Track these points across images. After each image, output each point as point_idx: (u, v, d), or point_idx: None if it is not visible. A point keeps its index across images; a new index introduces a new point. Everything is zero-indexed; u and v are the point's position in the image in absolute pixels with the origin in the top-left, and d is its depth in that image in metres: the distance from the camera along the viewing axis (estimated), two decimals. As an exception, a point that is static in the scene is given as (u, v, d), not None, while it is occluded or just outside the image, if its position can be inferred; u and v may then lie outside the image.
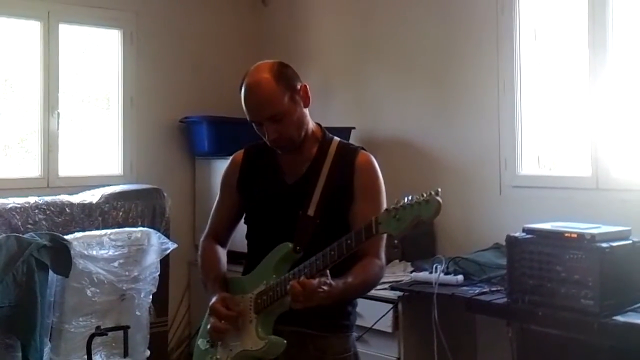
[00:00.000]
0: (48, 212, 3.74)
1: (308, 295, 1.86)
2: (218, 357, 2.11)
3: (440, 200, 1.68)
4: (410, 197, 1.74)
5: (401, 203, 1.75)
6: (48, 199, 3.82)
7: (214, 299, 2.11)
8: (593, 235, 2.66)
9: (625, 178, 3.27)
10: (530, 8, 3.69)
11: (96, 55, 4.60)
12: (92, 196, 3.99)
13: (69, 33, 4.35)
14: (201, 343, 2.19)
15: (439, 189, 1.70)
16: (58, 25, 4.26)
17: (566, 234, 2.74)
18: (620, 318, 2.57)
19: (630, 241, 2.71)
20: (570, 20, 3.59)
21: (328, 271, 1.90)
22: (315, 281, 1.87)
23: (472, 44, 3.86)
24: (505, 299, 2.91)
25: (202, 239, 2.33)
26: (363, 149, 2.17)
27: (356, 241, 1.84)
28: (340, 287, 1.93)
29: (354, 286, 1.99)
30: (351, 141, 4.01)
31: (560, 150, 3.74)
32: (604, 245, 2.63)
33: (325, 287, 1.87)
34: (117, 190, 4.07)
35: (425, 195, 1.71)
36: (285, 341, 2.01)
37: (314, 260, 1.91)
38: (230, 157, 4.20)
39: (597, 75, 3.33)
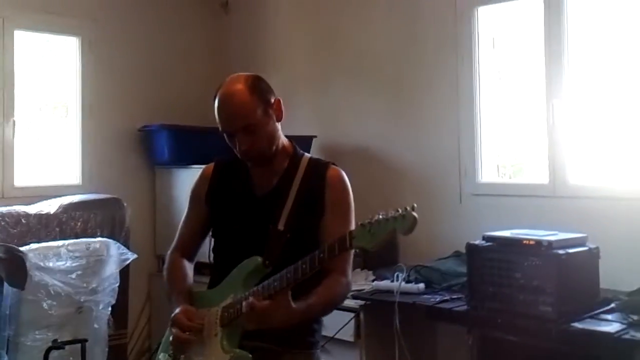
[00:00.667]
0: (3, 224, 3.66)
1: (259, 317, 1.88)
2: (181, 371, 2.08)
3: (416, 216, 1.69)
4: (384, 212, 1.75)
5: (375, 218, 1.75)
6: (3, 209, 3.74)
7: (176, 311, 2.09)
8: (550, 242, 2.70)
9: (582, 185, 3.32)
10: (489, 16, 3.74)
11: (54, 62, 4.52)
12: (49, 206, 3.91)
13: (25, 40, 4.27)
14: (162, 357, 2.16)
15: (415, 205, 1.71)
16: (14, 32, 4.18)
17: (524, 241, 2.78)
18: (577, 324, 2.61)
19: (587, 248, 2.76)
20: (527, 29, 3.65)
21: (290, 292, 1.89)
22: (267, 303, 1.88)
23: (431, 52, 3.90)
24: (465, 307, 2.94)
25: (169, 252, 2.31)
26: (334, 164, 2.18)
27: (329, 254, 1.83)
28: (302, 309, 1.93)
29: (318, 306, 1.99)
30: (312, 149, 4.07)
31: (519, 159, 3.79)
32: (561, 252, 2.67)
33: (282, 310, 1.88)
34: (75, 200, 4.00)
35: (400, 210, 1.72)
36: (250, 355, 1.99)
37: (284, 274, 1.90)
38: (191, 167, 4.20)
39: (554, 83, 3.39)
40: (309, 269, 1.86)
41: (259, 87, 2.08)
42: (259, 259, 2.02)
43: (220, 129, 2.09)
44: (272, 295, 1.90)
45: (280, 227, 2.04)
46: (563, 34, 3.36)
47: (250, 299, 1.91)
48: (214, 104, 2.09)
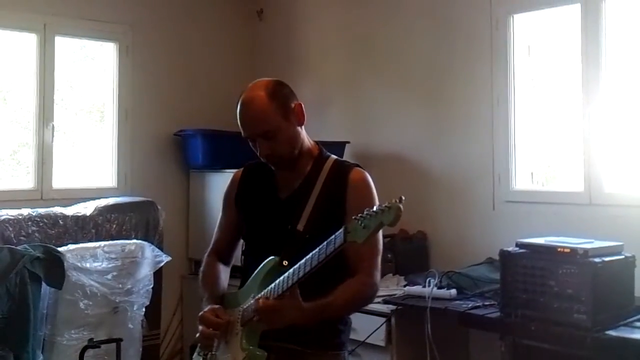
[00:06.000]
0: (41, 224, 3.74)
1: (267, 316, 1.92)
2: (208, 369, 2.13)
3: (401, 207, 1.69)
4: (375, 207, 1.75)
5: (367, 212, 1.76)
6: (41, 210, 3.82)
7: (204, 310, 2.14)
8: (586, 250, 2.68)
9: (618, 193, 3.30)
10: (524, 24, 3.73)
11: (91, 67, 4.61)
12: (85, 208, 3.98)
13: (64, 45, 4.36)
14: (196, 357, 2.22)
15: (403, 197, 1.71)
16: (54, 38, 4.27)
17: (559, 249, 2.76)
18: (612, 332, 2.59)
19: (623, 256, 2.73)
20: (563, 37, 3.63)
21: (298, 290, 1.91)
22: (272, 302, 1.91)
23: (466, 59, 3.89)
24: (498, 313, 2.93)
25: (205, 255, 2.36)
26: (358, 165, 2.19)
27: (327, 251, 1.83)
28: (314, 307, 1.95)
29: (334, 306, 2.00)
30: (345, 155, 4.10)
31: (553, 166, 3.76)
32: (597, 260, 2.65)
33: (292, 310, 1.90)
34: (110, 203, 4.07)
35: (388, 203, 1.72)
36: (266, 354, 2.01)
37: (291, 273, 1.92)
38: (225, 171, 4.25)
39: (591, 91, 3.36)
40: (311, 266, 1.86)
41: (279, 93, 2.11)
42: (276, 259, 2.05)
43: (242, 134, 2.13)
44: (281, 294, 1.92)
45: (300, 227, 2.06)
46: (601, 40, 3.34)
47: (261, 299, 1.95)
48: (236, 109, 2.12)
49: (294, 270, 1.91)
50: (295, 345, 2.06)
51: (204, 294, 2.23)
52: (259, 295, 2.00)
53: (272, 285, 1.97)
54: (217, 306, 2.13)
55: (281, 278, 1.94)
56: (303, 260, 1.88)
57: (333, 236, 1.83)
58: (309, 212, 2.08)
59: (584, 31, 3.39)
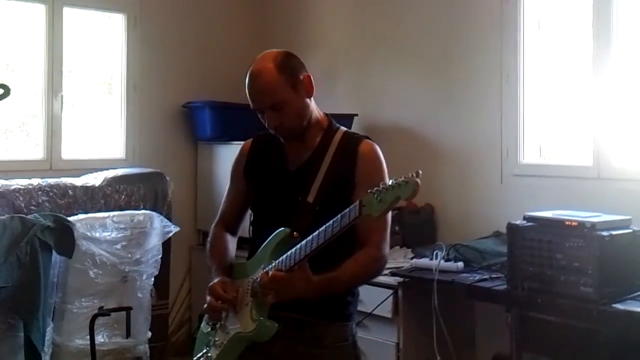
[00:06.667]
0: (51, 194, 3.77)
1: (275, 289, 1.93)
2: (217, 339, 2.14)
3: (419, 181, 1.70)
4: (392, 180, 1.76)
5: (382, 185, 1.76)
6: (51, 181, 3.84)
7: (213, 281, 2.15)
8: (593, 224, 2.68)
9: (627, 168, 3.29)
10: (535, -3, 3.70)
11: (99, 40, 4.60)
12: (94, 179, 4.01)
13: (73, 16, 4.35)
14: (204, 326, 2.24)
15: (420, 171, 1.72)
16: (62, 9, 4.26)
17: (567, 222, 2.76)
18: (619, 306, 2.60)
19: (631, 230, 2.74)
20: (574, 10, 3.60)
21: (307, 263, 1.92)
22: (281, 274, 1.92)
23: (476, 32, 3.87)
24: (504, 286, 2.94)
25: (212, 226, 2.36)
26: (368, 138, 2.18)
27: (342, 224, 1.84)
28: (323, 281, 1.96)
29: (343, 279, 2.01)
30: (354, 127, 4.09)
31: (562, 140, 3.76)
32: (604, 233, 2.65)
33: (301, 283, 1.92)
34: (119, 174, 4.09)
35: (405, 177, 1.73)
36: (276, 324, 2.02)
37: (302, 245, 1.93)
38: (233, 143, 4.26)
39: (600, 65, 3.35)
40: (325, 239, 1.87)
41: (287, 64, 2.10)
42: (287, 230, 2.05)
43: (251, 106, 2.12)
44: (292, 266, 1.94)
45: (310, 199, 2.07)
46: (611, 13, 3.31)
47: (272, 271, 1.96)
48: (245, 81, 2.12)
49: (306, 242, 1.92)
50: (304, 315, 2.07)
51: (212, 264, 2.24)
52: (270, 267, 2.02)
53: (283, 257, 1.98)
54: (227, 279, 2.14)
55: (293, 250, 1.96)
56: (316, 233, 1.89)
57: (347, 209, 1.83)
58: (318, 184, 2.08)
59: (595, 4, 3.36)
